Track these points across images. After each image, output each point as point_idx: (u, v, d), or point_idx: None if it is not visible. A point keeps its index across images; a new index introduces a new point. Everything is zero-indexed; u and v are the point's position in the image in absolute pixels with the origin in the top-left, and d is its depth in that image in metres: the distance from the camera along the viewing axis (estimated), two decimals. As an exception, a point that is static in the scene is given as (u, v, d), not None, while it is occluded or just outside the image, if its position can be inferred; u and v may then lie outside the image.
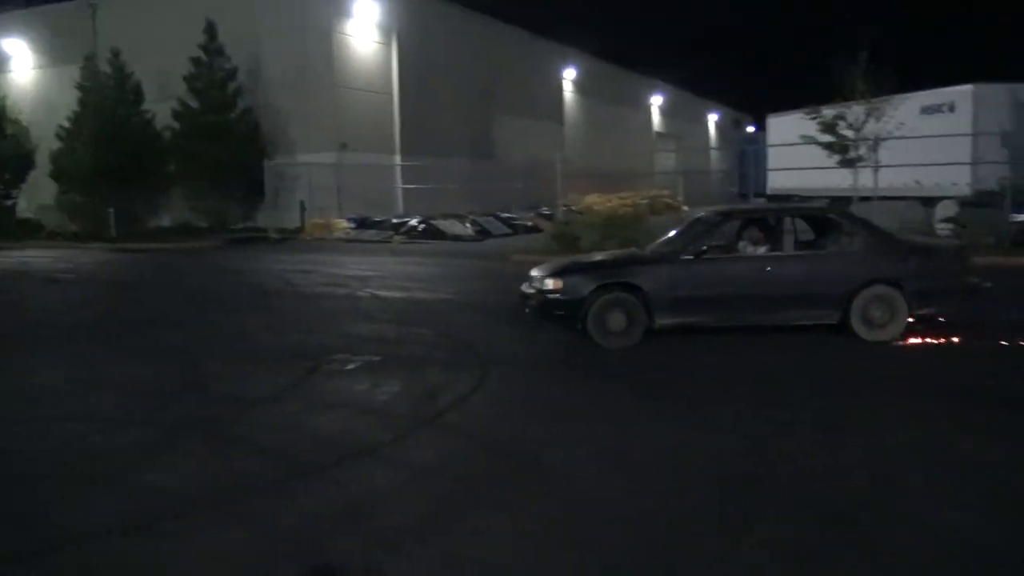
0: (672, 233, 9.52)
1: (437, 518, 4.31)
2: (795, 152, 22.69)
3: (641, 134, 53.09)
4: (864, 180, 18.96)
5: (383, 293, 13.22)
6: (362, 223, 26.51)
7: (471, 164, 30.60)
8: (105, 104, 28.06)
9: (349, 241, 25.13)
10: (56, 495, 4.74)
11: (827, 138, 18.72)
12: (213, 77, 27.43)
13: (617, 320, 8.28)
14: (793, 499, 4.41)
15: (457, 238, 24.43)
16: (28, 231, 29.33)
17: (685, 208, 41.62)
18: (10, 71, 34.24)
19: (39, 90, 33.64)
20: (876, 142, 18.16)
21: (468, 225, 26.19)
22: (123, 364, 8.27)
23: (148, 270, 18.72)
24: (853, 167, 18.70)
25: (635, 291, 8.32)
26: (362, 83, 29.26)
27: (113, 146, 27.13)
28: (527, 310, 8.83)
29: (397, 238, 24.80)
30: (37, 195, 31.55)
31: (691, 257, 8.52)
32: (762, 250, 8.81)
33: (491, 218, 27.74)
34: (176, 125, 27.93)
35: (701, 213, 9.75)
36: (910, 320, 8.36)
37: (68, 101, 29.36)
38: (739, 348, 8.28)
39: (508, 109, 36.97)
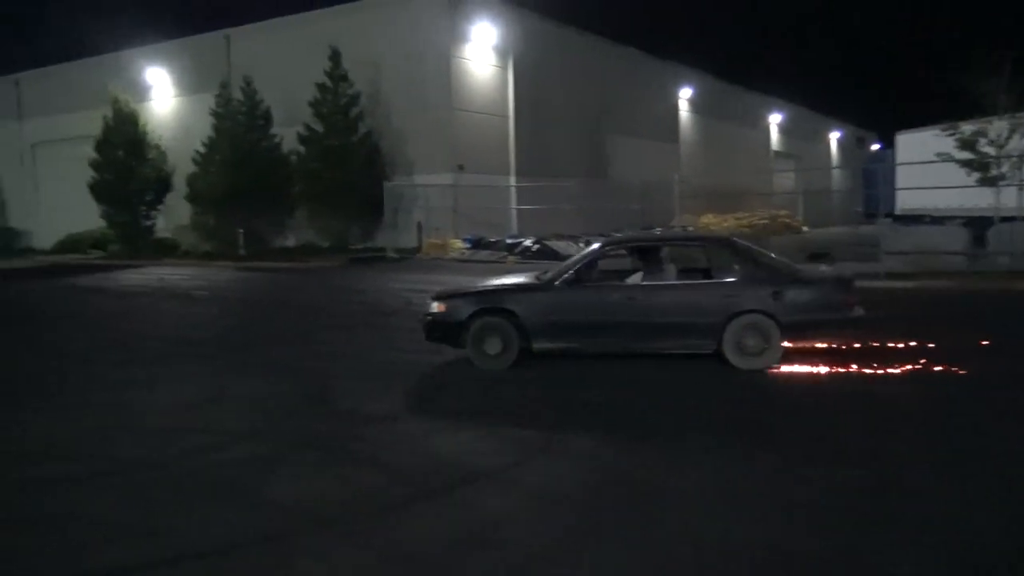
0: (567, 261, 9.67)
1: (562, 545, 4.18)
2: (927, 171, 21.57)
3: (759, 153, 51.78)
4: (1007, 199, 17.80)
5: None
6: (477, 243, 26.81)
7: (585, 185, 30.52)
8: (237, 130, 29.52)
9: (464, 261, 25.45)
10: (180, 507, 4.85)
11: (966, 155, 17.70)
12: (337, 102, 28.42)
13: (493, 343, 8.62)
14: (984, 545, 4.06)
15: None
16: (165, 249, 31.19)
17: (805, 228, 40.31)
18: (151, 99, 36.49)
19: (177, 117, 35.77)
20: (1022, 159, 17.04)
21: (582, 245, 26.05)
22: (248, 379, 8.52)
23: (274, 288, 19.44)
24: (995, 185, 17.60)
25: (511, 316, 8.58)
26: (479, 105, 29.72)
27: (244, 170, 28.48)
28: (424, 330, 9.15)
29: (511, 258, 24.94)
30: (174, 216, 33.48)
31: (564, 285, 8.72)
32: (639, 279, 8.87)
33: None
34: (301, 149, 29.04)
35: (595, 243, 9.87)
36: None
37: (203, 127, 31.06)
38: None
39: (623, 129, 36.75)
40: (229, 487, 5.17)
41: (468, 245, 26.91)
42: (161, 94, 36.62)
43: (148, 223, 33.33)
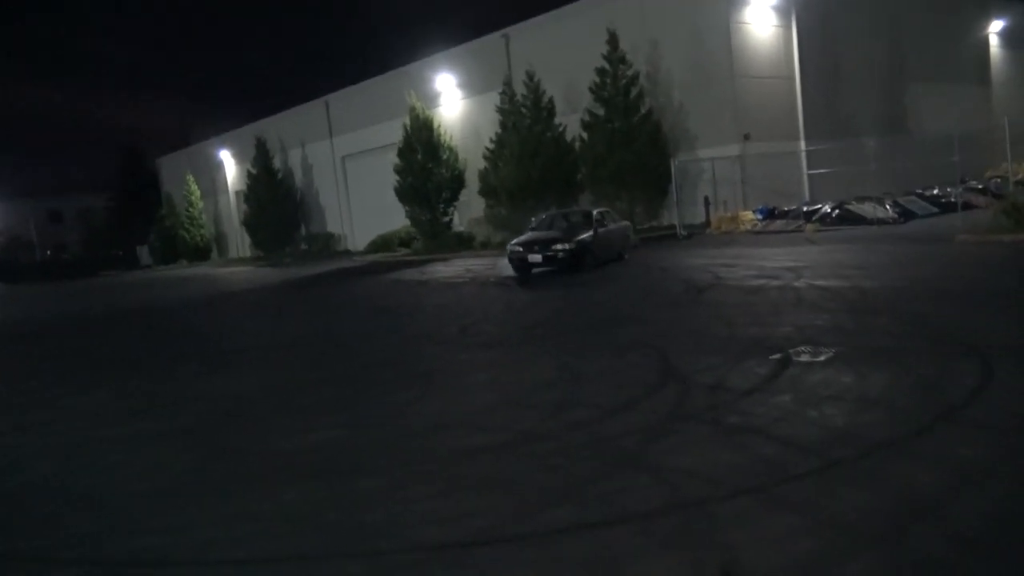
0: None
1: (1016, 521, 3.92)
2: None
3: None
4: None
5: (821, 283, 12.67)
6: (769, 214, 25.88)
7: (884, 142, 28.25)
8: (522, 123, 30.86)
9: (758, 233, 24.73)
10: (594, 474, 5.17)
11: None
12: (617, 85, 28.70)
13: None
14: None
15: (879, 222, 22.71)
16: (463, 242, 33.43)
17: None
18: (441, 105, 39.13)
19: (466, 118, 38.09)
20: None
21: (888, 207, 24.24)
22: (596, 357, 8.86)
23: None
24: None
25: None
26: (762, 70, 28.54)
27: (531, 161, 29.75)
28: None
29: (810, 226, 23.79)
30: (468, 210, 35.80)
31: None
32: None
33: (913, 198, 25.40)
34: (585, 135, 29.71)
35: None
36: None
37: (491, 124, 32.85)
38: None
39: (924, 76, 33.49)
40: (629, 456, 5.40)
41: (760, 216, 26.07)
42: (450, 98, 39.13)
43: (446, 219, 35.99)
